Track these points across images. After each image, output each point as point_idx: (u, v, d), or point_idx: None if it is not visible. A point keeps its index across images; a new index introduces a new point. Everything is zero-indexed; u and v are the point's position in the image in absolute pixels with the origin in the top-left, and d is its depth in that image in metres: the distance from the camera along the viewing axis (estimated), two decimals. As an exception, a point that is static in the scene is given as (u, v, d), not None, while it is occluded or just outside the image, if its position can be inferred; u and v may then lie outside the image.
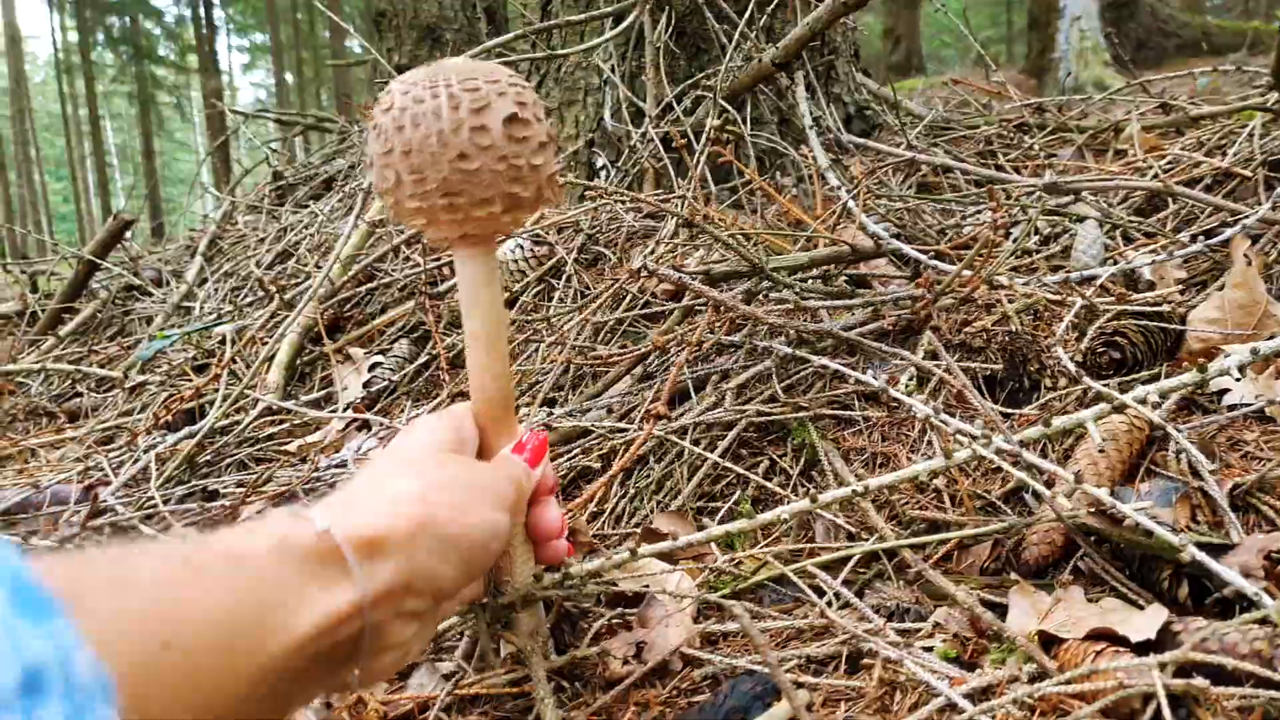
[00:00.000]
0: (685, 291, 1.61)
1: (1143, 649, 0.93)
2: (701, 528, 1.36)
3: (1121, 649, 0.91)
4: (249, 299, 2.83)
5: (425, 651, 1.11)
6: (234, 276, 3.12)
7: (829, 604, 1.09)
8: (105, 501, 1.64)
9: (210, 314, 2.72)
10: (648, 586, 1.16)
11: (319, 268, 2.63)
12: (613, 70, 2.66)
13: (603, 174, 2.70)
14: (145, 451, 1.78)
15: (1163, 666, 0.82)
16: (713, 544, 1.27)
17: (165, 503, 1.57)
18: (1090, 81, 9.20)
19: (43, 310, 3.51)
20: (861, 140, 2.19)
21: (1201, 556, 0.94)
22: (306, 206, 3.57)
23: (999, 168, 2.41)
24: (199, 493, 1.66)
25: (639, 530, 1.34)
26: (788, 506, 1.05)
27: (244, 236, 3.59)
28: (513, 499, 0.86)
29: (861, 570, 1.19)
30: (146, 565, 0.59)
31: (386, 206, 0.83)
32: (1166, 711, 0.77)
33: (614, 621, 1.11)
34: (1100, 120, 2.54)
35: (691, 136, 2.17)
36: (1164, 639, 0.93)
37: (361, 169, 3.89)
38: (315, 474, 1.66)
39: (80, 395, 2.67)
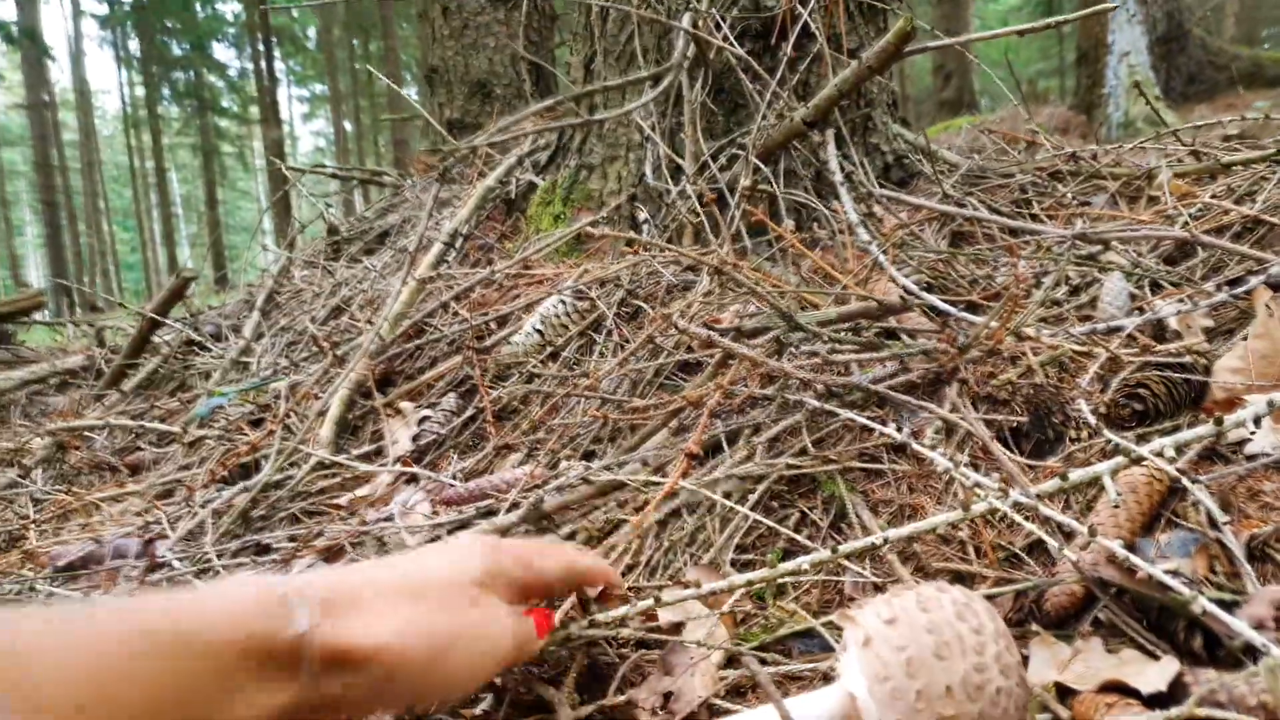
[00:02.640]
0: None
1: (1155, 700, 0.95)
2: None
3: (1133, 701, 0.94)
4: (304, 354, 2.94)
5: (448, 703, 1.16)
6: (289, 331, 3.24)
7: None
8: (162, 556, 1.73)
9: (266, 369, 2.83)
10: (680, 629, 1.21)
11: (370, 323, 2.73)
12: (653, 128, 2.75)
13: (645, 228, 2.78)
14: (202, 506, 1.87)
15: None
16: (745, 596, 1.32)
17: (219, 557, 1.65)
18: (1141, 117, 9.14)
19: (108, 365, 3.66)
20: (893, 193, 2.24)
21: (1212, 609, 0.96)
22: (360, 261, 3.69)
23: (1033, 216, 2.44)
24: (251, 547, 1.74)
25: (671, 582, 1.39)
26: (808, 556, 1.10)
27: (300, 291, 3.73)
28: (510, 659, 0.86)
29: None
30: (95, 634, 0.58)
31: None
32: (1167, 763, 0.80)
33: (642, 665, 1.16)
34: (1133, 168, 2.56)
35: (726, 192, 2.24)
36: (1175, 691, 0.95)
37: (411, 224, 4.02)
38: (363, 527, 1.73)
39: (141, 449, 2.79)
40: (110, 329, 4.63)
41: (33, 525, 2.22)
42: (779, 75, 2.23)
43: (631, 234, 2.31)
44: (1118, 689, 0.97)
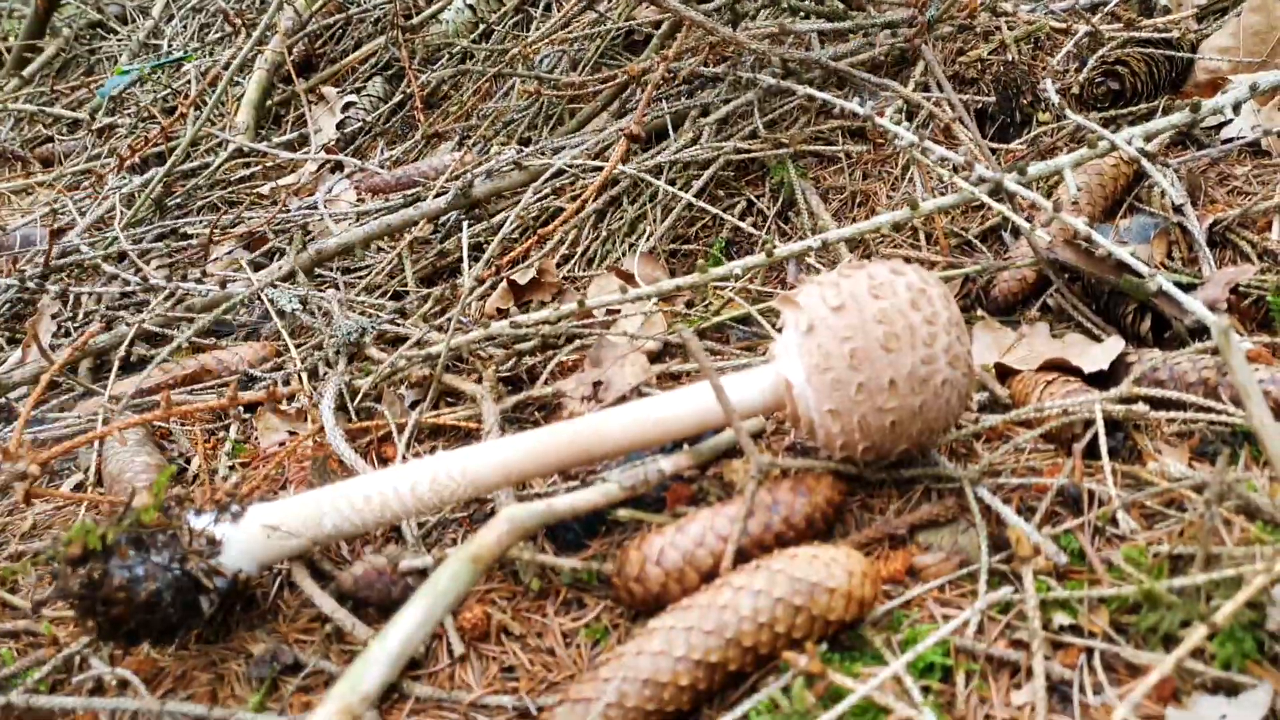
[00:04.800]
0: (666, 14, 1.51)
1: (1096, 380, 0.92)
2: (673, 271, 1.35)
3: (1073, 379, 0.91)
4: (218, 36, 2.68)
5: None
6: (202, 13, 2.95)
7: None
8: (71, 243, 1.62)
9: (178, 51, 2.59)
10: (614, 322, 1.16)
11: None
12: None
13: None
14: (112, 193, 1.74)
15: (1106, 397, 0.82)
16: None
17: (134, 243, 1.55)
18: None
19: (7, 50, 3.35)
20: None
21: (1168, 287, 0.91)
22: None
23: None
24: (170, 234, 1.63)
25: (607, 270, 1.32)
26: (741, 261, 1.03)
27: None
28: None
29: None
30: None
31: None
32: (1102, 435, 0.77)
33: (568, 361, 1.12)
34: None
35: None
36: (1118, 370, 0.92)
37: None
38: (284, 214, 1.62)
39: (52, 140, 2.60)
40: (4, 13, 4.21)
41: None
42: None
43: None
44: (1059, 368, 0.94)
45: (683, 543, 0.74)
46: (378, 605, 0.79)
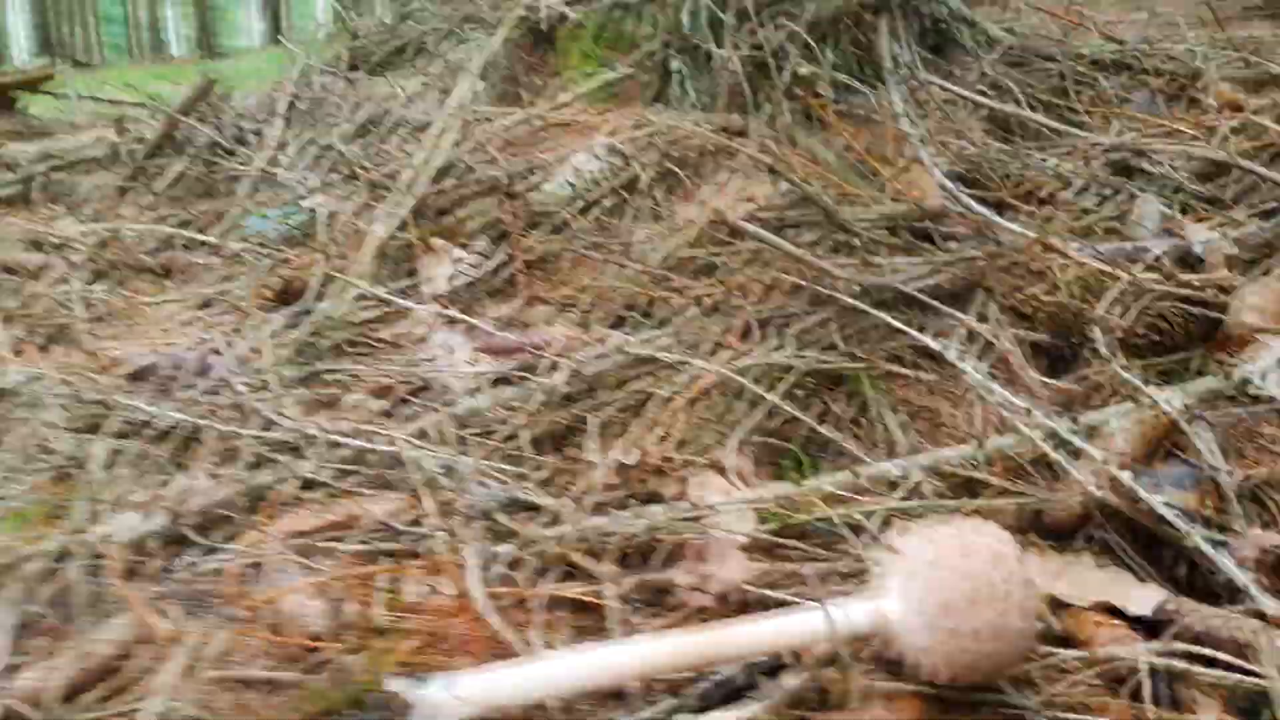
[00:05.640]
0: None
1: (1139, 622, 1.09)
2: (756, 461, 1.53)
3: (1119, 622, 1.07)
4: (331, 171, 2.94)
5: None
6: (315, 145, 3.23)
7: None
8: (220, 375, 1.83)
9: (297, 183, 2.85)
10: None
11: (404, 151, 2.75)
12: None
13: (675, 78, 2.75)
14: (257, 328, 1.96)
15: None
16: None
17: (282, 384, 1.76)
18: None
19: (130, 155, 3.64)
20: (940, 82, 2.23)
21: (1205, 547, 1.09)
22: (383, 75, 3.64)
23: (1071, 109, 2.45)
24: (309, 377, 1.84)
25: (701, 458, 1.50)
26: (833, 476, 1.22)
27: (321, 101, 3.68)
28: None
29: (899, 517, 1.35)
30: None
31: None
32: (1146, 686, 0.94)
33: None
34: (1178, 65, 2.55)
35: (770, 58, 2.23)
36: (1158, 615, 1.09)
37: (436, 42, 3.94)
38: (411, 366, 1.83)
39: (174, 251, 2.84)
40: (127, 116, 4.53)
41: (85, 324, 2.31)
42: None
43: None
44: (1107, 609, 1.11)
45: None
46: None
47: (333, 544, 1.40)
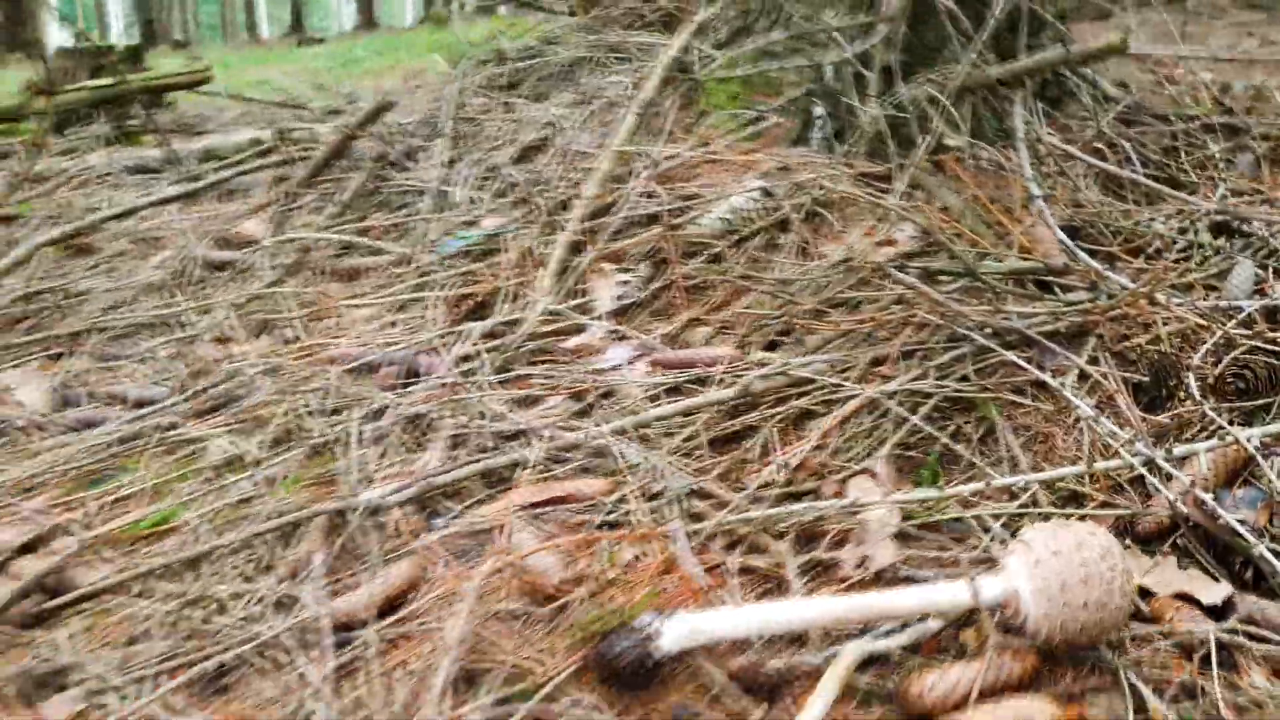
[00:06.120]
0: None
1: (1210, 610, 1.39)
2: (899, 469, 1.87)
3: (1195, 609, 1.38)
4: (499, 193, 3.33)
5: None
6: (480, 166, 3.63)
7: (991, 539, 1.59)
8: (441, 376, 2.22)
9: (470, 202, 3.25)
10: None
11: (567, 179, 3.13)
12: (840, 31, 3.00)
13: (818, 123, 3.08)
14: (462, 334, 2.36)
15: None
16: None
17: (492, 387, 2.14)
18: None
19: (294, 162, 4.09)
20: (1063, 147, 2.52)
21: (1268, 556, 1.39)
22: (543, 100, 4.03)
23: (1180, 168, 2.71)
24: (510, 379, 2.22)
25: (852, 464, 1.84)
26: (968, 486, 1.54)
27: (478, 121, 4.09)
28: None
29: (1018, 517, 1.67)
30: None
31: None
32: (1214, 654, 1.26)
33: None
34: (1284, 131, 2.79)
35: (913, 118, 2.54)
36: (1226, 607, 1.39)
37: (584, 70, 4.32)
38: (597, 374, 2.20)
39: (357, 256, 3.26)
40: (286, 125, 4.99)
41: (300, 321, 2.73)
42: (984, 24, 2.47)
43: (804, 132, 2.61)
44: (1185, 598, 1.42)
45: (947, 680, 1.24)
46: (752, 689, 1.31)
47: (556, 515, 1.78)
